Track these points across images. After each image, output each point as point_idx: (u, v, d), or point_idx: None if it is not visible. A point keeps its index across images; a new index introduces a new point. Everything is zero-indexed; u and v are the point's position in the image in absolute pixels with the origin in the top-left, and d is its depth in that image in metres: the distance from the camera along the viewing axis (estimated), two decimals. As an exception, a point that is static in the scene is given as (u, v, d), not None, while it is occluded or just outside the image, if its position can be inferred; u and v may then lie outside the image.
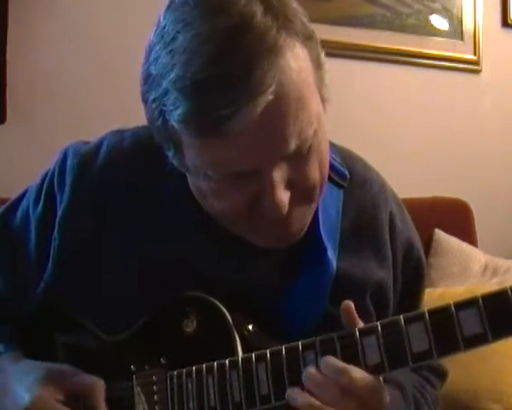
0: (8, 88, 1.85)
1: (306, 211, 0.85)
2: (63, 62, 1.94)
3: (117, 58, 1.97)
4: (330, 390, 0.76)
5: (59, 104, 1.94)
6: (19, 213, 0.99)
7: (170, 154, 0.82)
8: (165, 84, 0.74)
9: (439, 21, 2.45)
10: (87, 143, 0.98)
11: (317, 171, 0.81)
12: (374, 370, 0.78)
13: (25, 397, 0.84)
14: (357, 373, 0.76)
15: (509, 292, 0.74)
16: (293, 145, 0.75)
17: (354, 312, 0.80)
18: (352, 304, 0.81)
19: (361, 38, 2.30)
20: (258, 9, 0.72)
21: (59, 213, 0.93)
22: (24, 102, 1.90)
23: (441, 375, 1.08)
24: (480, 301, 0.74)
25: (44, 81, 1.93)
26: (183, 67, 0.72)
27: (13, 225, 0.99)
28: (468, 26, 2.49)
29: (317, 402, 0.76)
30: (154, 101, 0.77)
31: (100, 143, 0.96)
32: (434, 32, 2.44)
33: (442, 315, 0.76)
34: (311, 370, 0.78)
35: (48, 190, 0.96)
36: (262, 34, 0.71)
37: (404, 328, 0.77)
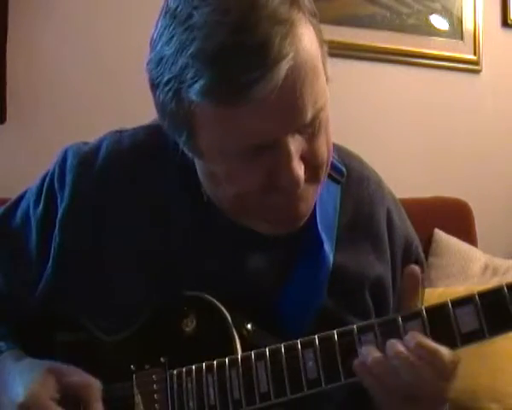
0: (8, 88, 1.86)
1: (313, 191, 0.86)
2: (63, 62, 1.94)
3: (117, 58, 1.98)
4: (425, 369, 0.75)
5: (59, 104, 1.94)
6: (19, 214, 0.99)
7: (182, 140, 0.82)
8: (183, 59, 0.75)
9: (439, 21, 2.45)
10: (87, 143, 0.98)
11: (325, 147, 0.83)
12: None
13: (19, 394, 0.84)
14: (446, 352, 0.76)
15: (505, 289, 0.75)
16: (309, 115, 0.78)
17: (419, 277, 0.81)
18: (417, 269, 0.81)
19: (361, 38, 2.30)
20: None
21: (59, 213, 0.93)
22: (24, 102, 1.90)
23: None
24: (477, 297, 0.76)
25: (44, 81, 1.93)
26: (204, 40, 0.73)
27: (13, 226, 0.99)
28: (468, 26, 2.49)
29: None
30: (168, 82, 0.77)
31: (99, 144, 0.96)
32: (434, 32, 2.44)
33: (439, 312, 0.77)
34: (399, 346, 0.77)
35: (48, 190, 0.96)
36: (277, 7, 0.74)
37: (401, 325, 0.78)
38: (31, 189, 1.00)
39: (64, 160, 0.95)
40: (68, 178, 0.94)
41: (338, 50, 2.21)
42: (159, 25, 0.80)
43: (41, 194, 0.96)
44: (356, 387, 0.81)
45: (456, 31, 2.48)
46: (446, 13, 2.45)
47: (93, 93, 1.96)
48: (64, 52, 1.94)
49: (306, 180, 0.81)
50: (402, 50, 2.38)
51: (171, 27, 0.77)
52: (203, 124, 0.79)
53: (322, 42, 0.82)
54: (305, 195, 0.84)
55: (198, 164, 0.88)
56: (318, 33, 0.81)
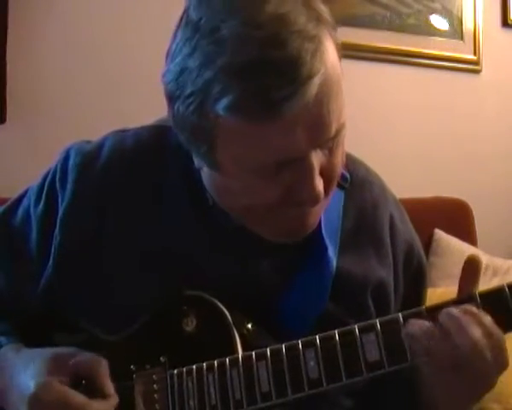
0: (8, 88, 1.86)
1: (323, 205, 0.85)
2: (63, 63, 1.94)
3: (117, 58, 1.98)
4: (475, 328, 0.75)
5: (59, 104, 1.94)
6: (20, 212, 0.99)
7: (201, 151, 0.80)
8: (209, 73, 0.73)
9: (439, 21, 2.45)
10: (89, 142, 0.98)
11: (340, 161, 0.83)
12: (373, 367, 0.78)
13: (30, 386, 0.83)
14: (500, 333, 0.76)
15: (506, 289, 0.75)
16: (334, 130, 0.78)
17: (480, 267, 0.80)
18: (478, 258, 0.81)
19: (361, 38, 2.30)
20: (298, 2, 0.75)
21: (60, 212, 0.93)
22: (24, 102, 1.90)
23: None
24: (478, 297, 0.76)
25: (44, 81, 1.93)
26: (233, 53, 0.72)
27: (14, 224, 0.99)
28: (468, 26, 2.49)
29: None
30: (190, 95, 0.75)
31: (102, 143, 0.96)
32: (434, 32, 2.44)
33: (439, 311, 0.77)
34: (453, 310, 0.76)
35: (49, 188, 0.96)
36: (305, 23, 0.74)
37: (402, 325, 0.78)
38: (32, 187, 1.00)
39: (66, 158, 0.95)
40: (70, 177, 0.93)
41: (337, 50, 2.21)
42: (178, 36, 0.78)
43: (42, 192, 0.96)
44: (357, 388, 0.82)
45: (456, 31, 2.48)
46: (446, 13, 2.45)
47: (93, 93, 1.96)
48: (64, 52, 1.94)
49: None
50: (402, 50, 2.38)
51: (195, 39, 0.75)
52: (226, 139, 0.77)
53: (340, 55, 0.82)
54: (316, 208, 0.84)
55: (209, 174, 0.86)
56: (338, 47, 0.81)
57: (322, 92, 0.74)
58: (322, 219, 0.92)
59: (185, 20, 0.78)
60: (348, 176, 0.97)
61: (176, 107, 0.78)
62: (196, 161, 0.84)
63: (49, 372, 0.84)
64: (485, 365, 0.75)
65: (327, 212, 0.93)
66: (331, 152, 0.80)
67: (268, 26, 0.72)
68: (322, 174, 0.80)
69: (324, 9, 0.79)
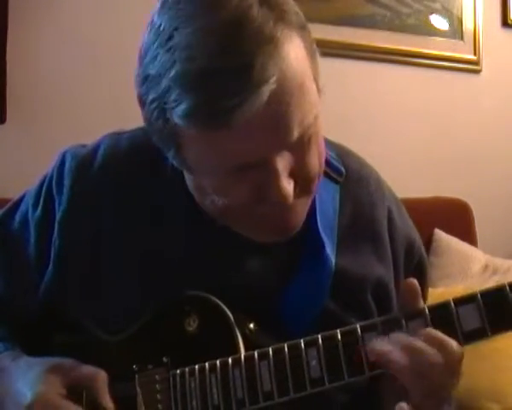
0: (8, 88, 1.85)
1: (305, 203, 0.86)
2: (63, 63, 1.94)
3: (116, 59, 1.97)
4: (429, 352, 0.76)
5: (58, 104, 1.94)
6: (17, 217, 0.99)
7: (170, 154, 0.82)
8: (165, 81, 0.74)
9: (439, 21, 2.45)
10: (84, 146, 0.98)
11: (316, 160, 0.82)
12: (375, 365, 0.78)
13: (27, 395, 0.83)
14: (455, 345, 0.76)
15: (507, 288, 0.75)
16: (295, 134, 0.76)
17: (418, 291, 0.80)
18: (415, 282, 0.81)
19: (361, 38, 2.30)
20: (254, 2, 0.73)
21: (58, 216, 0.93)
22: (24, 102, 1.90)
23: None
24: (479, 296, 0.76)
25: (44, 82, 1.93)
26: (185, 62, 0.72)
27: (12, 229, 0.99)
28: (468, 26, 2.49)
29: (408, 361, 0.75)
30: (153, 101, 0.76)
31: (97, 146, 0.96)
32: (434, 32, 2.44)
33: (442, 311, 0.77)
34: (402, 335, 0.77)
35: (47, 193, 0.96)
36: (260, 26, 0.72)
37: (404, 324, 0.78)
38: (29, 192, 1.00)
39: (62, 163, 0.95)
40: (66, 182, 0.93)
41: (337, 50, 2.21)
42: (145, 39, 0.79)
43: (39, 197, 0.96)
44: (359, 387, 0.82)
45: (456, 31, 2.48)
46: (446, 13, 2.45)
47: (93, 93, 1.96)
48: (64, 52, 1.94)
49: (297, 194, 0.81)
50: (402, 50, 2.38)
51: (155, 46, 0.76)
52: (187, 144, 0.78)
53: (313, 54, 0.80)
54: (295, 207, 0.83)
55: (186, 175, 0.87)
56: (308, 46, 0.79)
57: (276, 99, 0.73)
58: (318, 215, 0.92)
59: (150, 24, 0.79)
60: (343, 170, 0.97)
61: (144, 111, 0.79)
62: (171, 161, 0.84)
63: (46, 382, 0.84)
64: (444, 382, 0.78)
65: (322, 207, 0.93)
66: (302, 153, 0.80)
67: (218, 32, 0.72)
68: (294, 175, 0.79)
69: (292, 9, 0.78)
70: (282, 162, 0.77)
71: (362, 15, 2.31)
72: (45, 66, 1.93)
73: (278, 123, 0.75)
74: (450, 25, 2.47)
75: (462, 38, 2.48)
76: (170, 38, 0.74)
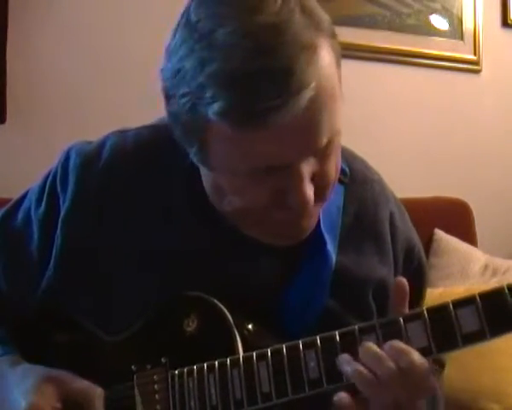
0: (8, 88, 1.86)
1: (318, 208, 0.86)
2: (63, 63, 1.94)
3: (116, 58, 1.98)
4: (386, 364, 0.76)
5: (59, 104, 1.94)
6: (20, 214, 0.99)
7: (192, 150, 0.82)
8: (202, 77, 0.74)
9: (439, 21, 2.45)
10: (90, 143, 0.98)
11: (334, 169, 0.84)
12: None
13: (21, 404, 0.83)
14: (416, 356, 0.76)
15: (506, 290, 0.75)
16: (325, 140, 0.78)
17: (407, 291, 0.81)
18: (405, 281, 0.82)
19: (361, 38, 2.30)
20: (296, 8, 0.74)
21: (62, 213, 0.93)
22: (24, 102, 1.90)
23: (441, 365, 1.09)
24: (478, 298, 0.76)
25: (44, 81, 1.93)
26: (224, 61, 0.73)
27: (15, 226, 0.98)
28: (468, 26, 2.49)
29: (369, 374, 0.76)
30: (184, 95, 0.76)
31: (103, 143, 0.96)
32: (434, 32, 2.44)
33: (440, 313, 0.77)
34: (369, 343, 0.78)
35: (50, 189, 0.96)
36: (300, 32, 0.73)
37: (402, 326, 0.78)
38: (33, 188, 1.00)
39: (67, 159, 0.95)
40: (71, 178, 0.93)
41: (338, 50, 2.21)
42: (177, 35, 0.79)
43: (43, 194, 0.96)
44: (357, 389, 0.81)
45: (456, 31, 2.48)
46: (446, 13, 2.45)
47: (93, 93, 1.96)
48: (64, 52, 1.94)
49: (314, 200, 0.81)
50: (402, 50, 2.38)
51: (192, 41, 0.76)
52: (216, 141, 0.78)
53: (339, 62, 0.81)
54: (310, 213, 0.84)
55: (204, 173, 0.87)
56: (337, 55, 0.81)
57: (313, 104, 0.74)
58: (321, 213, 0.92)
59: (185, 19, 0.79)
60: (348, 170, 0.97)
61: (171, 103, 0.80)
62: (191, 157, 0.85)
63: (41, 394, 0.84)
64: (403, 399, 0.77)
65: (326, 206, 0.93)
66: (324, 159, 0.81)
67: (260, 33, 0.72)
68: (314, 180, 0.80)
69: (325, 17, 0.79)
70: (307, 167, 0.78)
71: (362, 15, 2.31)
72: (45, 66, 1.93)
73: (311, 129, 0.76)
74: (450, 25, 2.47)
75: (462, 38, 2.48)
76: (209, 34, 0.74)
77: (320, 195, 0.83)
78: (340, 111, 0.80)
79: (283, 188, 0.79)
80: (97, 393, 0.86)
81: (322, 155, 0.80)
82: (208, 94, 0.74)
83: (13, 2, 1.86)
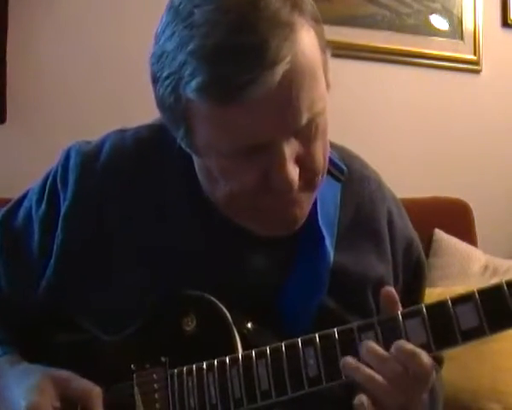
0: (8, 88, 1.86)
1: (308, 198, 0.86)
2: (63, 62, 1.94)
3: (116, 58, 1.98)
4: (391, 365, 0.76)
5: (59, 104, 1.94)
6: (21, 213, 0.99)
7: (179, 134, 0.83)
8: (182, 55, 0.75)
9: (439, 21, 2.45)
10: (89, 142, 0.98)
11: (321, 153, 0.84)
12: None
13: (21, 404, 0.83)
14: (425, 359, 0.77)
15: (505, 286, 0.75)
16: (304, 119, 0.78)
17: (395, 298, 0.81)
18: (392, 290, 0.82)
19: (361, 38, 2.30)
20: None
21: (62, 212, 0.93)
22: (24, 102, 1.90)
23: (440, 362, 1.09)
24: (477, 295, 0.76)
25: (44, 81, 1.93)
26: (203, 37, 0.74)
27: (15, 225, 0.99)
28: (468, 26, 2.49)
29: (379, 377, 0.76)
30: (167, 77, 0.78)
31: (102, 143, 0.96)
32: (434, 32, 2.44)
33: (439, 310, 0.77)
34: (372, 344, 0.78)
35: (51, 189, 0.96)
36: (277, 10, 0.75)
37: (401, 323, 0.78)
38: (33, 188, 1.00)
39: (67, 158, 0.96)
40: (71, 177, 0.94)
41: (338, 50, 2.19)
42: (163, 20, 0.81)
43: (44, 193, 0.96)
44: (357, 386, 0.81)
45: (456, 31, 2.48)
46: (446, 13, 2.45)
47: (93, 93, 1.97)
48: (64, 52, 1.94)
49: (301, 186, 0.82)
50: (402, 50, 2.38)
51: (174, 24, 0.78)
52: (199, 121, 0.79)
53: (324, 48, 0.82)
54: (299, 200, 0.84)
55: (195, 160, 0.88)
56: (321, 39, 0.81)
57: (288, 80, 0.75)
58: (319, 209, 0.92)
59: (169, 4, 0.81)
60: (345, 168, 0.98)
61: (157, 89, 0.81)
62: (180, 143, 0.85)
63: (41, 393, 0.83)
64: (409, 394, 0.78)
65: (323, 202, 0.93)
66: (309, 143, 0.81)
67: (237, 10, 0.74)
68: (300, 164, 0.81)
69: (308, 1, 0.80)
70: (289, 148, 0.79)
71: (362, 15, 2.31)
72: (45, 66, 1.93)
73: (289, 104, 0.76)
74: (450, 25, 2.46)
75: (462, 38, 2.48)
76: (189, 15, 0.76)
77: (308, 182, 0.84)
78: (323, 94, 0.80)
79: (268, 169, 0.80)
80: (96, 392, 0.86)
81: (305, 137, 0.80)
82: (187, 72, 0.75)
83: (13, 2, 1.86)
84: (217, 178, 0.84)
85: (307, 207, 0.88)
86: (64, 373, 0.87)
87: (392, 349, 0.77)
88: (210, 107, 0.76)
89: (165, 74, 0.78)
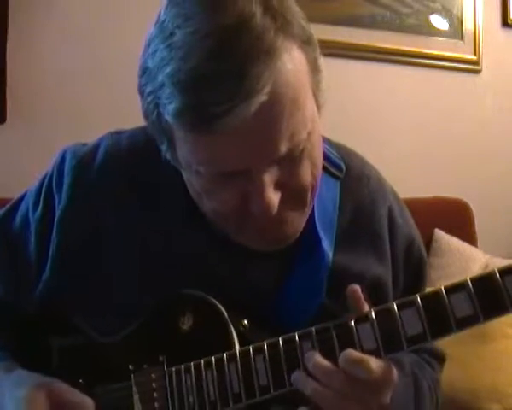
0: (8, 88, 1.86)
1: (299, 215, 0.85)
2: (63, 62, 1.94)
3: (116, 58, 1.98)
4: (337, 378, 0.77)
5: (59, 104, 1.94)
6: (18, 217, 0.99)
7: (163, 148, 0.82)
8: (161, 77, 0.74)
9: (439, 21, 2.45)
10: (85, 144, 0.98)
11: (308, 174, 0.81)
12: (370, 355, 0.78)
13: None
14: (374, 364, 0.77)
15: (497, 274, 0.75)
16: (283, 149, 0.75)
17: (360, 295, 0.81)
18: (357, 287, 0.81)
19: (361, 38, 2.30)
20: (257, 10, 0.72)
21: (58, 214, 0.93)
22: (24, 102, 1.90)
23: (440, 359, 1.09)
24: (470, 283, 0.76)
25: (44, 81, 1.93)
26: (180, 62, 0.72)
27: (12, 229, 0.99)
28: (468, 26, 2.49)
29: (327, 390, 0.77)
30: (149, 94, 0.77)
31: (97, 145, 0.96)
32: (434, 32, 2.44)
33: (433, 299, 0.77)
34: (319, 359, 0.78)
35: (46, 192, 0.96)
36: (259, 35, 0.71)
37: (397, 313, 0.78)
38: (30, 191, 1.00)
39: (62, 161, 0.95)
40: (66, 180, 0.93)
41: (338, 50, 2.22)
42: (150, 32, 0.79)
43: (40, 196, 0.96)
44: None
45: (456, 31, 2.48)
46: (446, 13, 2.45)
47: (93, 93, 1.96)
48: (64, 52, 1.94)
49: (289, 206, 0.81)
50: (402, 50, 2.38)
51: (157, 40, 0.76)
52: (178, 141, 0.78)
53: (315, 69, 0.79)
54: (288, 220, 0.83)
55: (182, 172, 0.87)
56: (311, 61, 0.78)
57: (266, 110, 0.72)
58: (316, 210, 0.92)
59: (157, 18, 0.79)
60: (343, 166, 0.97)
61: (142, 101, 0.80)
62: (165, 155, 0.85)
63: (33, 403, 0.82)
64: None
65: (321, 202, 0.92)
66: (293, 167, 0.79)
67: (216, 35, 0.70)
68: (283, 187, 0.79)
69: (297, 21, 0.76)
70: (269, 174, 0.77)
71: (362, 15, 2.31)
72: (45, 65, 1.93)
73: (265, 135, 0.74)
74: (450, 25, 2.46)
75: (462, 38, 2.48)
76: (171, 35, 0.74)
77: (298, 200, 0.82)
78: (310, 119, 0.77)
79: (246, 193, 0.78)
80: (88, 405, 0.84)
81: (287, 163, 0.78)
82: (165, 95, 0.73)
83: (13, 2, 1.86)
84: (200, 194, 0.83)
85: (300, 224, 0.86)
86: (57, 385, 0.86)
87: (340, 360, 0.77)
88: (185, 133, 0.75)
89: (147, 90, 0.77)
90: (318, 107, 0.81)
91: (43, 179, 0.98)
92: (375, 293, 0.95)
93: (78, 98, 1.95)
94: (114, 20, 2.00)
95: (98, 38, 1.98)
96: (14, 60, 1.86)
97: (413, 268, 1.02)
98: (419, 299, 0.78)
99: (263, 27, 0.71)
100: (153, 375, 0.88)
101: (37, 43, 1.92)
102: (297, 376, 0.79)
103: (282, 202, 0.79)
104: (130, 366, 0.90)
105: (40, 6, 1.92)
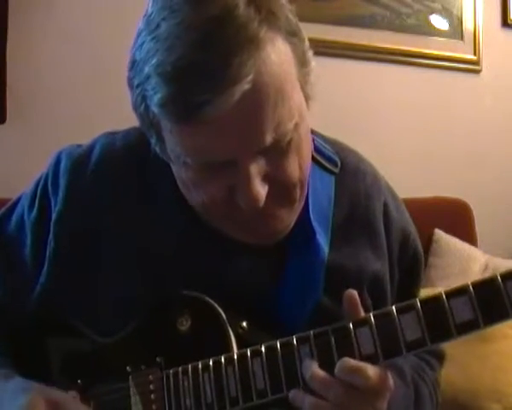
0: (8, 88, 1.86)
1: (288, 211, 0.85)
2: (63, 62, 1.94)
3: (116, 58, 1.96)
4: (334, 389, 0.77)
5: (59, 104, 1.94)
6: (14, 219, 0.99)
7: (153, 141, 0.83)
8: (147, 69, 0.75)
9: (439, 21, 2.45)
10: (80, 146, 0.98)
11: (296, 167, 0.81)
12: (368, 360, 0.78)
13: None
14: (371, 371, 0.76)
15: (499, 279, 0.74)
16: (269, 138, 0.76)
17: (357, 300, 0.80)
18: (354, 293, 0.81)
19: (361, 37, 2.30)
20: (241, 1, 0.73)
21: (53, 216, 0.93)
22: (24, 102, 1.90)
23: (440, 357, 1.09)
24: (471, 288, 0.75)
25: (44, 81, 1.93)
26: (165, 53, 0.73)
27: (8, 231, 0.99)
28: (468, 26, 2.49)
29: (324, 402, 0.77)
30: (137, 86, 0.78)
31: (92, 146, 0.96)
32: (434, 32, 2.44)
33: (433, 304, 0.77)
34: (316, 370, 0.78)
35: (42, 194, 0.96)
36: (243, 25, 0.72)
37: (396, 318, 0.78)
38: (25, 193, 1.00)
39: (57, 163, 0.95)
40: (62, 182, 0.93)
41: (338, 50, 2.22)
42: (139, 25, 0.80)
43: (35, 198, 0.96)
44: None
45: (456, 31, 2.48)
46: (446, 13, 2.45)
47: (93, 93, 1.96)
48: (64, 52, 1.94)
49: (278, 202, 0.81)
50: (402, 50, 2.38)
51: (144, 33, 0.77)
52: (166, 133, 0.79)
53: (303, 62, 0.80)
54: (277, 214, 0.83)
55: (171, 166, 0.87)
56: (298, 53, 0.79)
57: (249, 100, 0.72)
58: (311, 204, 0.91)
59: (145, 11, 0.80)
60: (338, 160, 0.97)
61: (131, 94, 0.80)
62: (154, 148, 0.85)
63: (34, 409, 0.82)
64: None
65: (316, 197, 0.92)
66: (280, 159, 0.79)
67: (200, 27, 0.72)
68: (270, 180, 0.79)
69: (283, 13, 0.77)
70: (255, 167, 0.77)
71: (362, 15, 2.31)
72: (45, 66, 1.93)
73: (250, 124, 0.75)
74: (450, 25, 2.46)
75: (462, 38, 2.48)
76: (156, 27, 0.75)
77: (286, 196, 0.82)
78: (297, 110, 0.78)
79: (233, 185, 0.78)
80: None
81: (274, 154, 0.78)
82: (150, 86, 0.74)
83: (13, 2, 1.86)
84: (189, 187, 0.83)
85: (290, 220, 0.86)
86: (56, 395, 0.86)
87: (336, 369, 0.77)
88: (170, 123, 0.76)
89: (136, 83, 0.78)
90: (307, 100, 0.82)
91: (39, 181, 0.98)
92: (374, 289, 0.95)
93: (77, 98, 1.95)
94: (114, 20, 2.00)
95: (98, 39, 1.98)
96: (14, 60, 1.86)
97: (408, 262, 1.01)
98: (419, 303, 0.77)
99: (246, 18, 0.73)
100: (150, 377, 0.88)
101: (37, 44, 1.92)
102: (294, 394, 0.79)
103: (270, 196, 0.79)
104: (128, 368, 0.90)
105: (40, 6, 1.92)
